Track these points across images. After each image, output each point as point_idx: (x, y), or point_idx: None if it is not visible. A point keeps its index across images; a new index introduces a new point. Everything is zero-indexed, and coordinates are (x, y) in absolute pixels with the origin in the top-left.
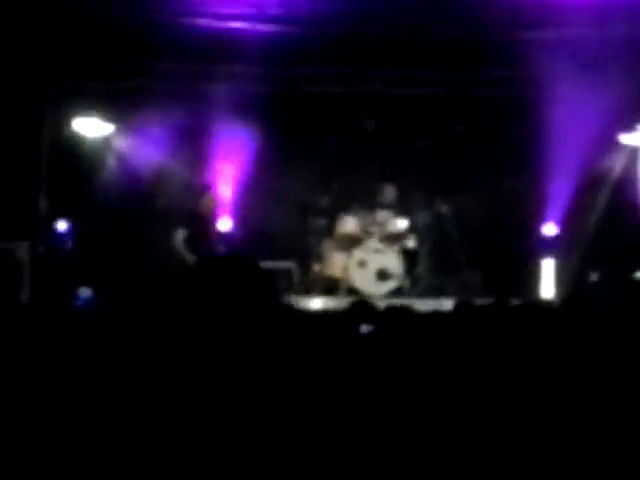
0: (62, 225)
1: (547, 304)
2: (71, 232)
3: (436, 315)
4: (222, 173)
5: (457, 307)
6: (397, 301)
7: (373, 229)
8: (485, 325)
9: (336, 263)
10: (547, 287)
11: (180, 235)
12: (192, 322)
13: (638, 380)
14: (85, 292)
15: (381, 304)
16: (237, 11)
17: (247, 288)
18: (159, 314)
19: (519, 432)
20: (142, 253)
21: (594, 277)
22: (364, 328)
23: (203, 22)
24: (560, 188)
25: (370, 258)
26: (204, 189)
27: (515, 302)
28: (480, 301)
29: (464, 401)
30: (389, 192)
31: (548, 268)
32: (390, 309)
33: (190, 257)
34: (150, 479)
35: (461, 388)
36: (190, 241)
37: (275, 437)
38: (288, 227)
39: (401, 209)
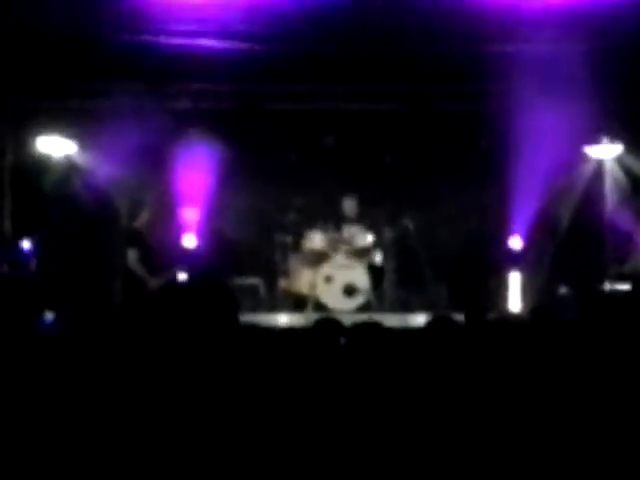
0: (26, 244)
1: (518, 318)
2: (35, 251)
3: (409, 331)
4: (185, 191)
5: (433, 322)
6: (364, 317)
7: (340, 245)
8: (459, 340)
9: (303, 279)
10: (514, 300)
11: (132, 255)
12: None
13: (606, 391)
14: (48, 315)
15: (348, 320)
16: (198, 28)
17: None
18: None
19: (493, 446)
20: (106, 273)
21: (562, 290)
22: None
23: (165, 40)
24: (526, 201)
25: (337, 274)
26: (144, 206)
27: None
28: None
29: (438, 416)
30: (349, 205)
31: (514, 281)
32: (360, 325)
33: (146, 276)
34: None
35: (435, 404)
36: (143, 260)
37: (237, 458)
38: (254, 243)
39: (367, 224)
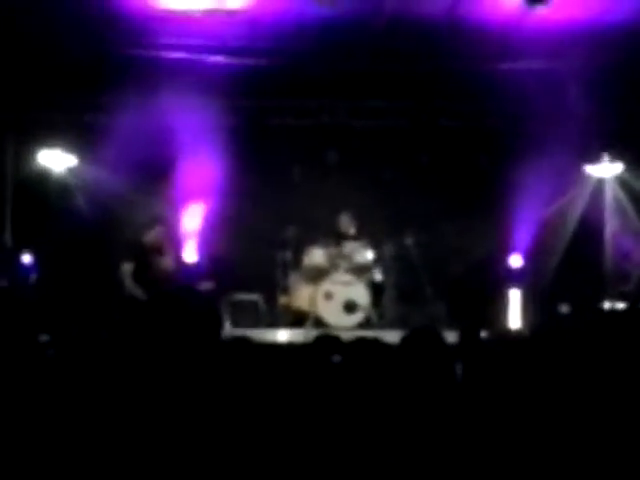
0: (27, 258)
1: (517, 335)
2: (36, 265)
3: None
4: (187, 205)
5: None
6: (365, 333)
7: (340, 261)
8: (457, 356)
9: (303, 295)
10: (514, 318)
11: (126, 268)
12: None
13: (610, 408)
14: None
15: (348, 336)
16: (201, 43)
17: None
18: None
19: (488, 464)
20: (104, 286)
21: (564, 308)
22: (336, 358)
23: (167, 54)
24: (526, 219)
25: (337, 290)
26: (155, 222)
27: (483, 333)
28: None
29: (434, 433)
30: (345, 222)
31: (514, 299)
32: (358, 341)
33: (136, 290)
34: None
35: (432, 420)
36: (136, 274)
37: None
38: (254, 259)
39: (367, 241)
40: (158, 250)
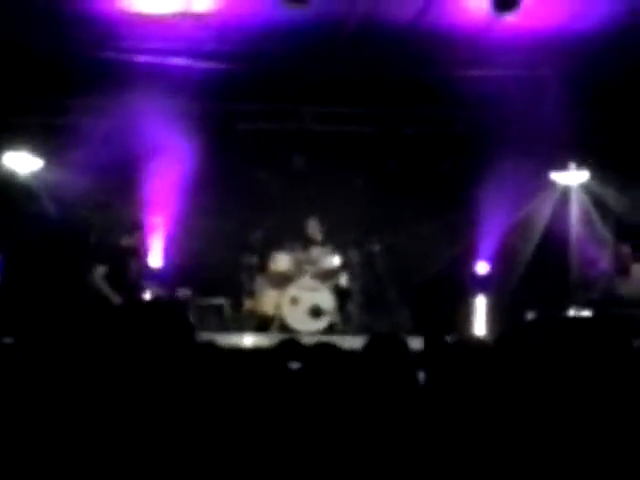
0: None
1: (480, 342)
2: (1, 267)
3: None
4: (153, 209)
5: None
6: (330, 338)
7: (306, 266)
8: (421, 362)
9: (268, 300)
10: (479, 325)
11: (100, 271)
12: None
13: (572, 418)
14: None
15: (312, 341)
16: (170, 46)
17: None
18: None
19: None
20: (71, 288)
21: (530, 316)
22: (294, 365)
23: (135, 57)
24: (492, 226)
25: (303, 295)
26: (133, 227)
27: (447, 339)
28: (411, 339)
29: (395, 439)
30: (312, 227)
31: (480, 306)
32: (318, 346)
33: (110, 293)
34: None
35: (393, 426)
36: (110, 278)
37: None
38: (220, 263)
39: (333, 246)
40: (135, 253)
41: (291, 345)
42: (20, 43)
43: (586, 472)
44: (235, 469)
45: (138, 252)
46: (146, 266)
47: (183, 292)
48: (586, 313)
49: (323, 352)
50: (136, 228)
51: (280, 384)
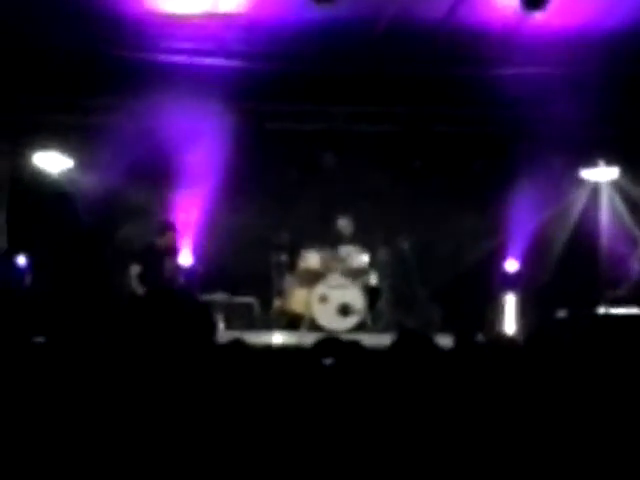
0: (21, 260)
1: (511, 340)
2: (30, 267)
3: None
4: (183, 208)
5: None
6: (359, 336)
7: (335, 264)
8: (449, 362)
9: (298, 298)
10: (509, 323)
11: (134, 271)
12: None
13: (606, 415)
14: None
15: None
16: (199, 46)
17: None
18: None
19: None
20: (101, 288)
21: (562, 314)
22: (327, 361)
23: (166, 58)
24: (522, 224)
25: (332, 293)
26: (167, 227)
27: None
28: (442, 337)
29: (426, 437)
30: (344, 225)
31: (510, 304)
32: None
33: (142, 291)
34: None
35: (424, 424)
36: (143, 277)
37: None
38: (249, 262)
39: (362, 244)
40: (170, 253)
41: (329, 343)
42: (51, 43)
43: (620, 469)
44: (260, 466)
45: (172, 252)
46: (179, 266)
47: (219, 296)
48: (615, 311)
49: (349, 350)
50: (169, 228)
51: (310, 382)
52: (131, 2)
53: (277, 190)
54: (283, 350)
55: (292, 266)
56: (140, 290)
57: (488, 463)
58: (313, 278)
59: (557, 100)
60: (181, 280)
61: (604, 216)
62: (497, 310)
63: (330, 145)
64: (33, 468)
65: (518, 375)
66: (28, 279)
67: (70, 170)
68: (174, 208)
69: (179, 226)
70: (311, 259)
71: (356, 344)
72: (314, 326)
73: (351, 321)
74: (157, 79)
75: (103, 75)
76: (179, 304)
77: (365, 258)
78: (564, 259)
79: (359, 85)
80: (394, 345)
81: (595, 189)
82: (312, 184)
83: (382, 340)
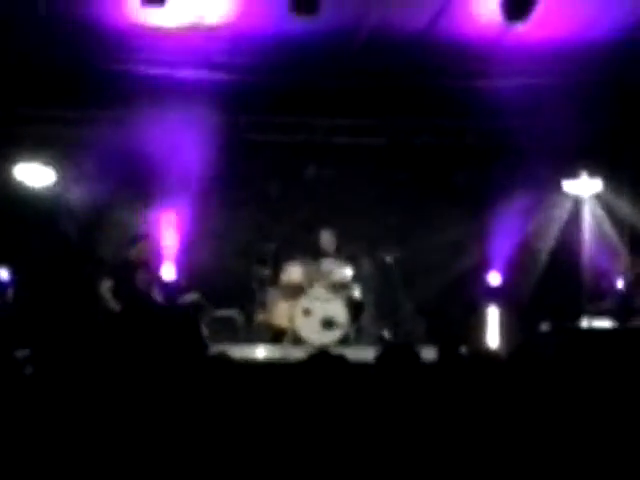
0: (3, 273)
1: (494, 354)
2: (13, 281)
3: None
4: (165, 221)
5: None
6: (343, 350)
7: (318, 278)
8: (432, 375)
9: (281, 312)
10: (492, 336)
11: (105, 285)
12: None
13: (588, 428)
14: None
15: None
16: (183, 59)
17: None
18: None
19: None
20: (82, 302)
21: (544, 327)
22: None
23: (149, 70)
24: (504, 236)
25: (315, 307)
26: (139, 238)
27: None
28: (425, 350)
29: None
30: (326, 238)
31: (493, 317)
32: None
33: (116, 306)
34: None
35: (408, 437)
36: (116, 291)
37: None
38: (231, 275)
39: (345, 257)
40: (142, 265)
41: (322, 358)
42: (33, 55)
43: None
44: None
45: (145, 263)
46: (156, 278)
47: (190, 297)
48: (599, 324)
49: (329, 363)
50: (141, 239)
51: (298, 397)
52: (115, 15)
53: (259, 203)
54: (281, 364)
55: (274, 279)
56: (114, 305)
57: (472, 474)
58: (296, 291)
59: (540, 112)
60: (156, 291)
61: (587, 229)
62: (480, 323)
63: (312, 157)
64: None
65: (501, 388)
66: (10, 293)
67: (53, 183)
68: (156, 220)
69: (158, 238)
70: (294, 272)
71: (342, 358)
72: (297, 339)
73: (335, 334)
74: (141, 91)
75: (87, 87)
76: (156, 320)
77: (348, 271)
78: (547, 272)
79: (340, 97)
80: (378, 359)
81: (578, 201)
82: (295, 196)
83: (366, 354)
